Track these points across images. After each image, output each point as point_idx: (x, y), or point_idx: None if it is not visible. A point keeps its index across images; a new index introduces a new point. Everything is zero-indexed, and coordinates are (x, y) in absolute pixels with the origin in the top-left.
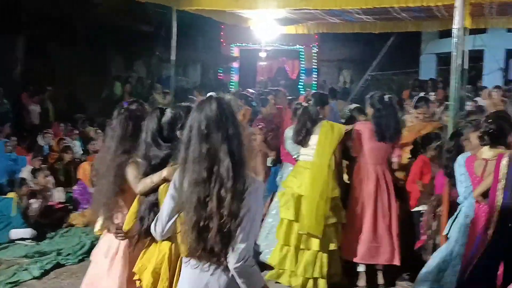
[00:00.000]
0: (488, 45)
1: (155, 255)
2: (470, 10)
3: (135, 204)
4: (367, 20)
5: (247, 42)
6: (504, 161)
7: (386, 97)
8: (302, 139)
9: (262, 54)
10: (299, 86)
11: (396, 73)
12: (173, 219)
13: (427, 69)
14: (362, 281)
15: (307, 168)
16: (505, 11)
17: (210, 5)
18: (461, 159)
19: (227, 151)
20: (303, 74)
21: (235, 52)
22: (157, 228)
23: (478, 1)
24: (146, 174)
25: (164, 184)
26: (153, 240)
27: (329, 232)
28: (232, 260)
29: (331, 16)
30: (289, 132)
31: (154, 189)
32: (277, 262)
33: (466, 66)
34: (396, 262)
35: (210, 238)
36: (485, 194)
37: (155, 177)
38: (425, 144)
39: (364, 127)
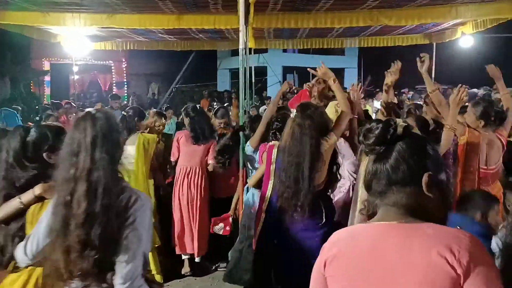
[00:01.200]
0: (269, 62)
1: (18, 283)
2: (253, 33)
3: None
4: (169, 39)
5: (59, 56)
6: (275, 149)
7: (198, 106)
8: None
9: (74, 68)
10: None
11: (198, 86)
12: (48, 240)
13: (223, 82)
14: (186, 268)
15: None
16: (280, 35)
17: (16, 20)
18: (249, 148)
19: (88, 173)
20: (114, 87)
21: (46, 66)
22: (27, 251)
23: (259, 26)
24: (7, 198)
25: (35, 204)
26: (15, 268)
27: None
28: (118, 282)
29: (137, 34)
30: None
31: (20, 213)
32: None
33: (253, 80)
34: (196, 253)
35: (80, 260)
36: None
37: (25, 196)
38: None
39: (181, 134)
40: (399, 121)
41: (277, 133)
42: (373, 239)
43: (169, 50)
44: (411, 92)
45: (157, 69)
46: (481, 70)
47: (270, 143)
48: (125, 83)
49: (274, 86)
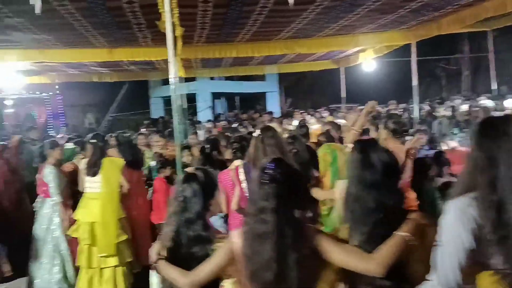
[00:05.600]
0: (198, 89)
1: None
2: (182, 63)
3: None
4: (102, 71)
5: None
6: (241, 169)
7: (126, 134)
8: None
9: (8, 102)
10: (48, 129)
11: (133, 113)
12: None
13: (157, 110)
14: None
15: (94, 198)
16: (206, 65)
17: None
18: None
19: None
20: (51, 118)
21: None
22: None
23: (187, 57)
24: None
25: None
26: None
27: (122, 248)
28: None
29: (70, 68)
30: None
31: None
32: (86, 285)
33: (185, 106)
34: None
35: None
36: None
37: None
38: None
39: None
40: None
41: (238, 152)
42: None
43: (103, 81)
44: (326, 111)
45: (92, 99)
46: (382, 89)
47: (232, 167)
48: (61, 114)
49: (204, 111)
